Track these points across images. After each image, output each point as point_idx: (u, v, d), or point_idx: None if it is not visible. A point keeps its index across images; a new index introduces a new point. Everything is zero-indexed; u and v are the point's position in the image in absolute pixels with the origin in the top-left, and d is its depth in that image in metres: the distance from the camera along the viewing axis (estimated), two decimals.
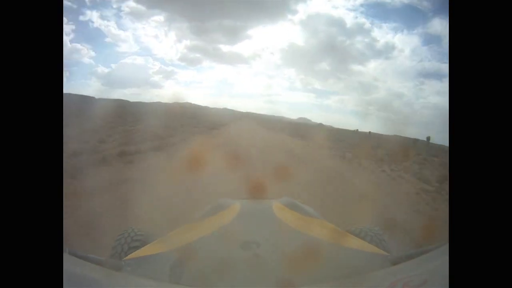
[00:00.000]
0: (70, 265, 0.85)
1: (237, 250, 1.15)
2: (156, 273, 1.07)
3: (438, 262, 0.86)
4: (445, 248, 0.84)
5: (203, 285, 0.99)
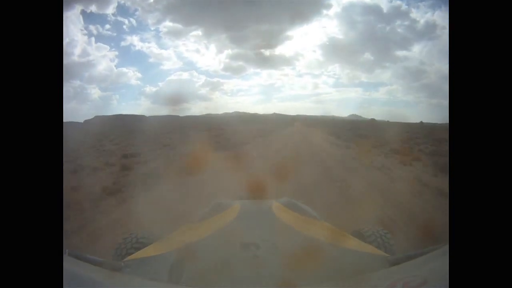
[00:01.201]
0: (70, 266, 0.85)
1: (237, 251, 1.15)
2: (156, 273, 1.07)
3: (438, 262, 0.86)
4: (445, 248, 0.84)
5: (203, 285, 0.99)
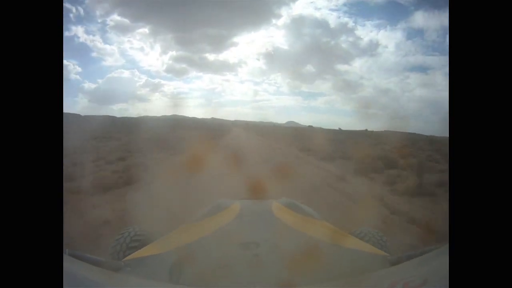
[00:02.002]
0: (70, 266, 0.85)
1: (237, 250, 1.15)
2: (156, 273, 1.07)
3: (438, 262, 0.86)
4: (445, 248, 0.84)
5: (203, 285, 0.99)
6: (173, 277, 1.02)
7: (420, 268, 0.91)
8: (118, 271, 1.05)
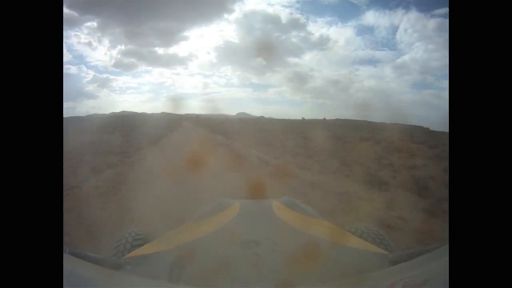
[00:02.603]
0: (70, 264, 0.85)
1: (237, 249, 1.15)
2: (156, 272, 1.07)
3: (438, 262, 0.86)
4: (445, 248, 0.84)
5: (203, 284, 0.99)
6: (174, 276, 1.02)
7: (420, 267, 0.91)
8: (119, 269, 1.05)
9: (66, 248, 0.91)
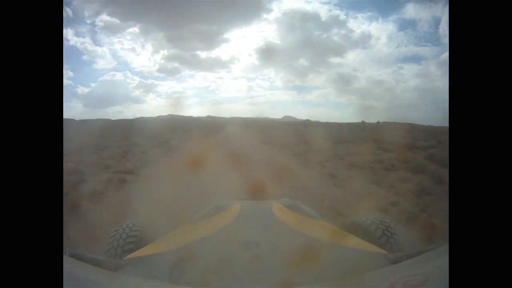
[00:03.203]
0: (70, 266, 0.85)
1: (237, 250, 1.15)
2: (157, 273, 1.07)
3: (438, 262, 0.86)
4: (445, 248, 0.84)
5: (203, 285, 0.99)
6: (174, 277, 1.02)
7: (420, 267, 0.91)
8: (118, 271, 1.05)
9: (66, 249, 0.91)
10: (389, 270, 1.03)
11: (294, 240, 1.31)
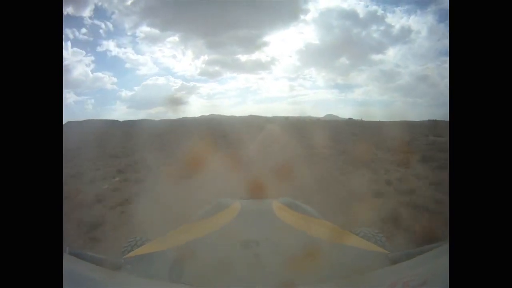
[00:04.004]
0: (70, 264, 0.86)
1: (237, 250, 1.15)
2: (156, 271, 1.07)
3: (438, 262, 0.86)
4: (445, 247, 0.84)
5: (203, 284, 0.99)
6: (174, 276, 1.02)
7: (420, 267, 0.91)
8: (119, 269, 1.05)
9: (66, 248, 0.91)
10: (389, 270, 1.03)
11: (294, 239, 1.30)
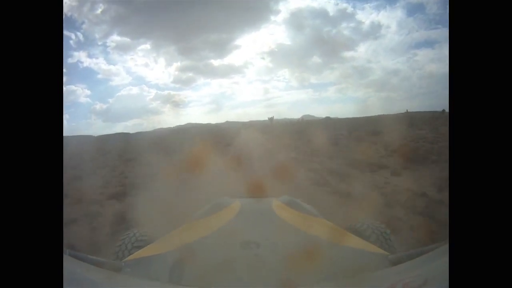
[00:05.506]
0: (70, 266, 0.86)
1: (237, 250, 1.15)
2: (157, 273, 1.07)
3: (438, 262, 0.86)
4: (445, 248, 0.84)
5: (203, 285, 0.99)
6: (174, 277, 1.02)
7: (420, 268, 0.91)
8: (118, 272, 1.05)
9: (66, 249, 0.91)
10: (389, 270, 1.03)
11: (294, 238, 1.30)
